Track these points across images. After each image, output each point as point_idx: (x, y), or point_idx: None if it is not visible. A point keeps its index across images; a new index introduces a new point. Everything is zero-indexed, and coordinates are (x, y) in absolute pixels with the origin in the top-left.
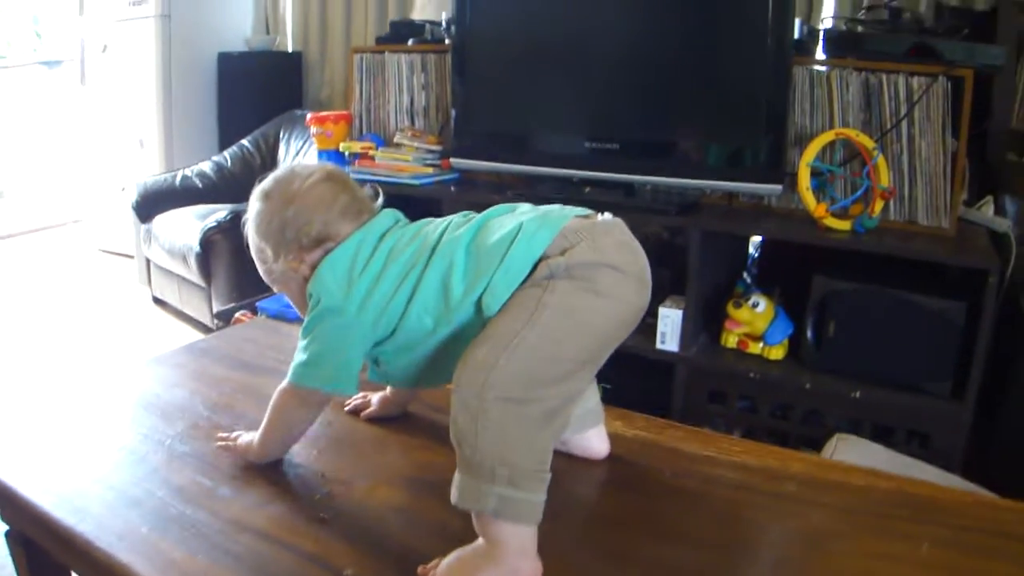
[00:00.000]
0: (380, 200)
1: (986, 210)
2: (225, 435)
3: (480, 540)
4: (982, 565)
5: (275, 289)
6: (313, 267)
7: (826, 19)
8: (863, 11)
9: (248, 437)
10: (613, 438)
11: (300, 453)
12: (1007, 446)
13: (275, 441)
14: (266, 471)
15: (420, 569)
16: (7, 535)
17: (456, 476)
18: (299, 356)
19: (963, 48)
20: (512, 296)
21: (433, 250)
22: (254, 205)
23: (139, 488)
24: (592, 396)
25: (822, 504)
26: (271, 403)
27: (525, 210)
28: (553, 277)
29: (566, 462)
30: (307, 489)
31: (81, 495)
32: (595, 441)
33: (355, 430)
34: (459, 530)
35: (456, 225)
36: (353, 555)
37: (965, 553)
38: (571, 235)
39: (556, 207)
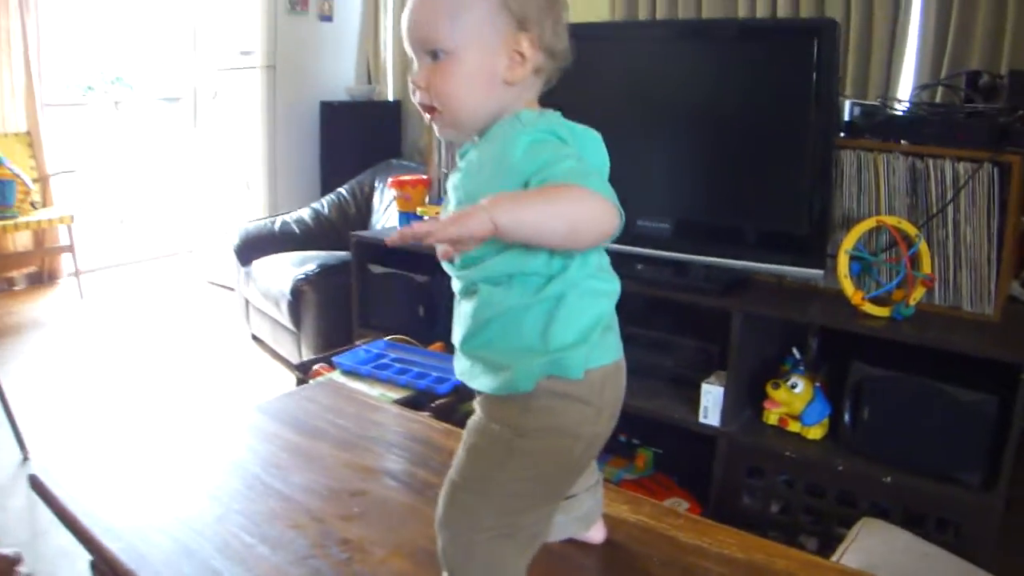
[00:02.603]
0: None
1: None
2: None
3: None
4: None
5: (444, 37)
6: (519, 89)
7: (886, 100)
8: (943, 79)
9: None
10: (616, 522)
11: (331, 517)
12: None
13: (536, 221)
14: (297, 535)
15: None
16: (91, 564)
17: None
18: (568, 171)
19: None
20: (483, 419)
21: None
22: None
23: (193, 540)
24: (583, 503)
25: None
26: (554, 193)
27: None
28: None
29: (563, 547)
30: (331, 552)
31: (145, 542)
32: (591, 533)
33: (386, 501)
34: None
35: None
36: None
37: None
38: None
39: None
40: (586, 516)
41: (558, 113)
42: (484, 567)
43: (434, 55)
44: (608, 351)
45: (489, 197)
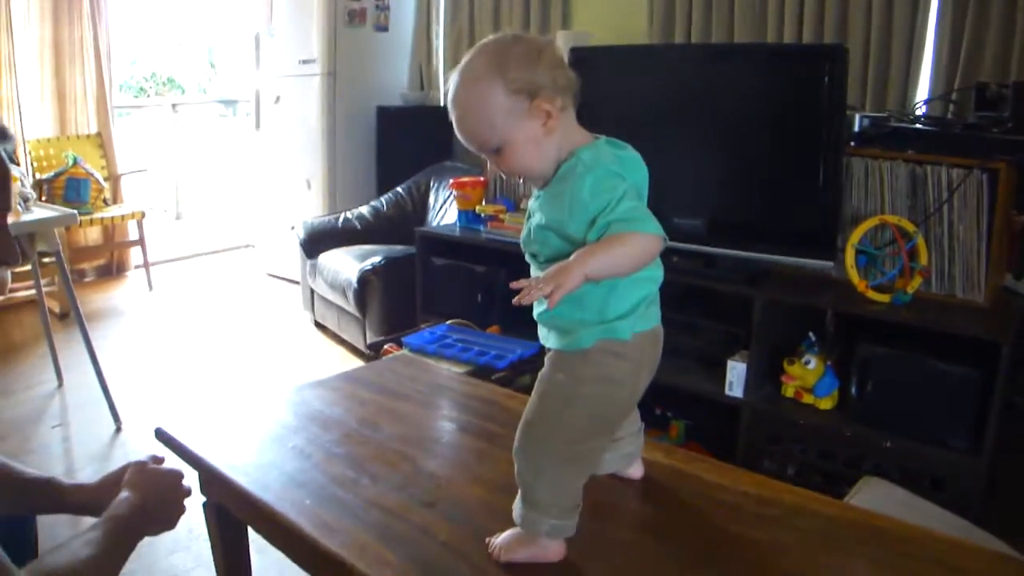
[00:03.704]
0: None
1: None
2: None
3: None
4: None
5: (492, 139)
6: (560, 131)
7: (893, 113)
8: (955, 92)
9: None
10: (652, 464)
11: (420, 458)
12: None
13: (612, 266)
14: (393, 471)
15: (487, 539)
16: (204, 505)
17: (518, 504)
18: (626, 211)
19: (998, 143)
20: (550, 371)
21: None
22: (503, 43)
23: (305, 475)
24: (627, 445)
25: (793, 526)
26: (616, 243)
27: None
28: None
29: (608, 479)
30: (421, 482)
31: (265, 476)
32: (632, 471)
33: (463, 444)
34: None
35: None
36: (448, 528)
37: (886, 567)
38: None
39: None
40: (629, 455)
41: (603, 139)
42: (550, 485)
43: (494, 151)
44: (649, 320)
45: (577, 254)
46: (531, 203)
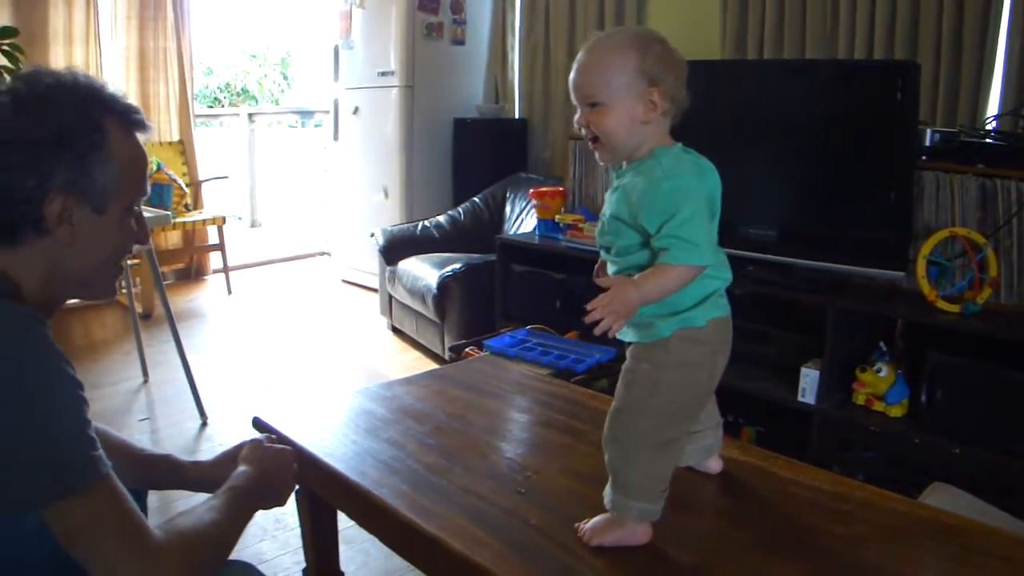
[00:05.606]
0: None
1: None
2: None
3: None
4: (967, 571)
5: (598, 95)
6: (652, 127)
7: (963, 128)
8: (1018, 108)
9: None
10: (729, 461)
11: (509, 450)
12: None
13: (661, 292)
14: (484, 461)
15: (576, 524)
16: (297, 492)
17: (609, 490)
18: (690, 233)
19: None
20: (634, 362)
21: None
22: (655, 36)
23: (399, 463)
24: (707, 438)
25: (865, 519)
26: (665, 273)
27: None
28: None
29: (688, 472)
30: (513, 473)
31: (361, 464)
32: (711, 464)
33: (549, 439)
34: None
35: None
36: (538, 513)
37: (958, 562)
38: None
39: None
40: (708, 448)
41: (679, 147)
42: (640, 470)
43: (592, 105)
44: (720, 307)
45: (635, 281)
46: (608, 195)
